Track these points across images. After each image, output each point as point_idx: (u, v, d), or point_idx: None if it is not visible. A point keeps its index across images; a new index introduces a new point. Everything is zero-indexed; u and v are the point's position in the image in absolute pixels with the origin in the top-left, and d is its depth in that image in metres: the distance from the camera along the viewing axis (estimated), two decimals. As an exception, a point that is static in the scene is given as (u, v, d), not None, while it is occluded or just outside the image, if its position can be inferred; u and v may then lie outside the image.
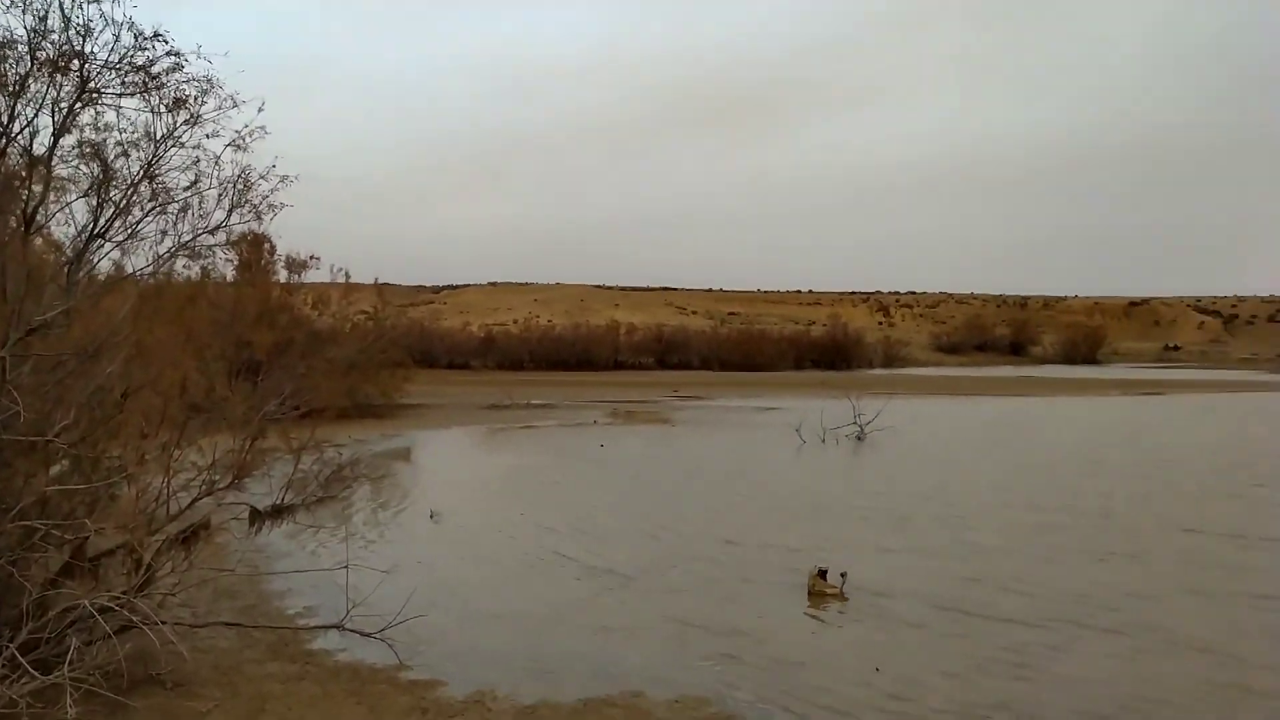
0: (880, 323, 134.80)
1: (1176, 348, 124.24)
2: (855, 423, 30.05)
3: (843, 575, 11.74)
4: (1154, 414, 41.26)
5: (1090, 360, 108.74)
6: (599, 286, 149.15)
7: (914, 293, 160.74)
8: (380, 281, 48.65)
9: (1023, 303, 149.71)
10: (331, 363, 26.56)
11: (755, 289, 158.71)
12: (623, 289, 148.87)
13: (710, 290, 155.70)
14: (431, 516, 16.56)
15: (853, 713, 8.02)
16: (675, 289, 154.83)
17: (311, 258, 37.19)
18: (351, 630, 9.05)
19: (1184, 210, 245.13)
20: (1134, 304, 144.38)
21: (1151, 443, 29.14)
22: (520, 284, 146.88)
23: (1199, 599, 11.15)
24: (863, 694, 8.43)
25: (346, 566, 10.06)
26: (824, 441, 28.63)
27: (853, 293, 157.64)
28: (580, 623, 10.55)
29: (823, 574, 11.82)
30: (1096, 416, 40.13)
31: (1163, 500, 18.15)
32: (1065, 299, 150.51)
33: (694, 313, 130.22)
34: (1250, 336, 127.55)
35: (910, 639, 9.95)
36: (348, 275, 39.45)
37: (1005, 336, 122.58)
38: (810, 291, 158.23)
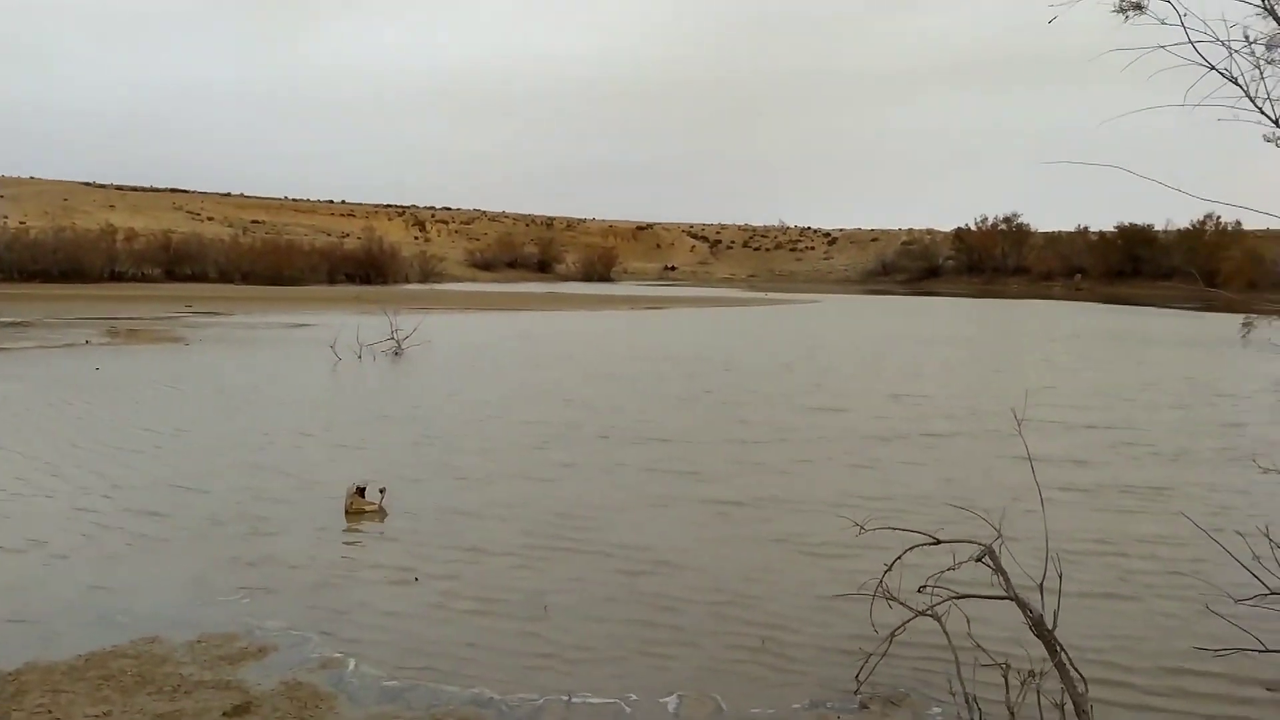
0: (416, 238, 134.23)
1: (674, 268, 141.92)
2: (393, 338, 29.86)
3: (381, 491, 11.73)
4: (655, 327, 46.89)
5: (605, 278, 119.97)
6: (88, 184, 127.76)
7: (449, 209, 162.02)
8: None
9: (549, 223, 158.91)
10: None
11: (282, 196, 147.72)
12: (119, 188, 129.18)
13: (229, 195, 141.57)
14: None
15: (389, 627, 8.13)
16: (186, 191, 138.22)
17: None
18: None
19: (683, 145, 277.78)
20: (640, 228, 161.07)
21: (645, 355, 33.03)
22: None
23: (657, 510, 11.94)
24: (401, 606, 8.56)
25: None
26: (360, 358, 28.07)
27: (388, 206, 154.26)
28: (76, 576, 9.23)
29: (361, 491, 11.69)
30: (608, 329, 44.50)
31: (639, 411, 19.95)
32: (585, 221, 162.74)
33: (210, 219, 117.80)
34: (730, 259, 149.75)
35: (441, 552, 10.30)
36: None
37: (534, 254, 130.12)
38: (343, 202, 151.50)
